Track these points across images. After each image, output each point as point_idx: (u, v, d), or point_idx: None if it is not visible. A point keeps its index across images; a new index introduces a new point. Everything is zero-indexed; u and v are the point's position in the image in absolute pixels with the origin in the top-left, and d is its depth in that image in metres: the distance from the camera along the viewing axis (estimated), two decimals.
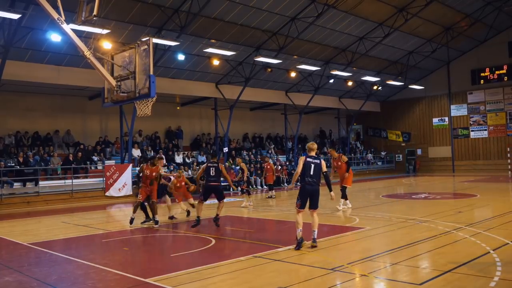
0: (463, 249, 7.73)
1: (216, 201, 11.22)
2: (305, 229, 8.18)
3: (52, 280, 6.56)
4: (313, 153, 8.32)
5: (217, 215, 10.96)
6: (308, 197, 8.17)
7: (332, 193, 8.45)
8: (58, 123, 22.70)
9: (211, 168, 11.05)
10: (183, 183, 13.03)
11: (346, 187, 13.75)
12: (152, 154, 23.61)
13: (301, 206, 8.16)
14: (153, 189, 11.59)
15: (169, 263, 7.57)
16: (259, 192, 22.99)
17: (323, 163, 8.28)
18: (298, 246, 7.92)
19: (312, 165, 8.12)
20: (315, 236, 8.06)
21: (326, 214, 12.86)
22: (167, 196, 13.00)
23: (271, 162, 20.39)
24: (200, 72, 24.05)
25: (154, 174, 11.45)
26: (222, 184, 12.37)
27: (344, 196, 13.70)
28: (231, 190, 20.74)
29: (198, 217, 10.87)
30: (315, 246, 7.97)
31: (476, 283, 5.71)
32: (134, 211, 11.61)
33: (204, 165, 11.38)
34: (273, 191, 19.03)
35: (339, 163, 13.98)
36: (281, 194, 19.56)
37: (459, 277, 5.97)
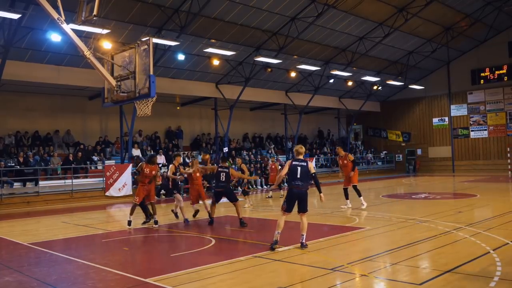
0: (463, 249, 7.73)
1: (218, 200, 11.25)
2: (297, 232, 8.14)
3: (52, 280, 6.56)
4: (300, 157, 8.21)
5: (241, 219, 10.91)
6: (296, 201, 8.07)
7: (321, 194, 8.30)
8: (58, 123, 22.70)
9: (222, 174, 11.01)
10: (197, 174, 12.21)
11: (356, 185, 13.76)
12: (152, 154, 23.63)
13: (286, 209, 8.05)
14: (152, 189, 11.54)
15: (169, 263, 7.56)
16: (259, 192, 22.99)
17: (310, 165, 8.18)
18: (271, 247, 7.86)
19: (299, 168, 8.01)
20: (304, 240, 7.92)
21: (326, 214, 12.86)
22: (178, 195, 12.29)
23: (276, 162, 20.33)
24: (200, 72, 24.05)
25: (153, 172, 11.41)
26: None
27: (359, 194, 13.67)
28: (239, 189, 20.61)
29: (211, 218, 11.23)
30: (306, 247, 7.86)
31: (476, 283, 5.71)
32: (131, 213, 11.42)
33: (215, 167, 11.36)
34: (282, 190, 19.00)
35: (345, 162, 13.96)
36: (280, 194, 19.51)
37: (459, 277, 5.97)
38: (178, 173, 12.33)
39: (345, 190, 14.02)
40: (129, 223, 11.34)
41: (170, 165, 12.31)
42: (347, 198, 13.89)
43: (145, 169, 11.31)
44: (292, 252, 7.75)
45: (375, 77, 30.86)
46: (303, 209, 8.08)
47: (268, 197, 18.60)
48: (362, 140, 39.75)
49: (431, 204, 15.04)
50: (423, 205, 14.64)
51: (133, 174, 11.76)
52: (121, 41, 18.21)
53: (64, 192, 19.32)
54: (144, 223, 11.73)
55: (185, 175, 12.60)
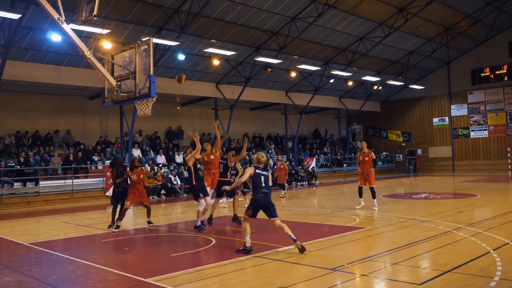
0: (463, 249, 7.72)
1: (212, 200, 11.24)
2: (297, 232, 8.14)
3: (52, 280, 6.56)
4: (261, 166, 8.16)
5: (235, 215, 11.04)
6: (262, 209, 7.98)
7: None
8: (58, 123, 22.71)
9: (220, 165, 11.25)
10: (212, 157, 11.28)
11: (373, 186, 13.59)
12: (153, 156, 23.61)
13: (252, 215, 7.94)
14: (143, 192, 11.26)
15: (169, 263, 7.55)
16: None
17: (270, 176, 8.17)
18: (243, 250, 7.76)
19: (262, 177, 7.99)
20: (294, 237, 7.59)
21: (326, 214, 12.87)
22: (202, 200, 10.43)
23: (286, 162, 20.19)
24: (200, 72, 24.05)
25: (141, 176, 11.08)
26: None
27: (374, 196, 13.51)
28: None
29: (211, 215, 11.19)
30: (302, 249, 7.56)
31: (476, 283, 5.71)
32: (121, 219, 10.84)
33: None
34: (284, 191, 18.94)
35: (366, 159, 13.66)
36: (279, 194, 19.44)
37: (459, 277, 5.97)
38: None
39: (360, 189, 13.76)
40: (117, 226, 10.79)
41: (188, 156, 10.92)
42: (360, 196, 13.75)
43: (132, 176, 10.92)
44: (292, 252, 7.75)
45: (375, 77, 30.86)
46: (273, 215, 7.93)
47: (281, 196, 18.29)
48: (361, 140, 39.73)
49: (431, 204, 15.03)
50: (423, 205, 14.63)
51: (113, 180, 10.68)
52: (121, 41, 18.21)
53: (65, 192, 19.32)
54: (109, 226, 11.14)
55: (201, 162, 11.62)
